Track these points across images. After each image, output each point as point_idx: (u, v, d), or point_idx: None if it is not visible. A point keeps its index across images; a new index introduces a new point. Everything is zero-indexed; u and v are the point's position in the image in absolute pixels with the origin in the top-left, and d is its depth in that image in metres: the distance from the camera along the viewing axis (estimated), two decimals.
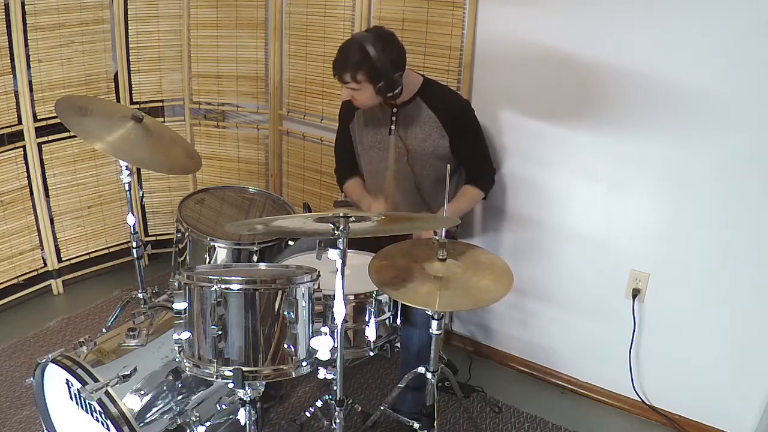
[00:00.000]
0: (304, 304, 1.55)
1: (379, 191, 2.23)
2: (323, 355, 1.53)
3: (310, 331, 1.58)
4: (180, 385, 1.71)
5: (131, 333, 1.74)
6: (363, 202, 2.24)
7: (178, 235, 2.26)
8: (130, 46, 2.84)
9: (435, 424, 1.83)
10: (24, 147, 2.67)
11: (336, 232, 1.46)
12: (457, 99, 2.23)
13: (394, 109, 2.15)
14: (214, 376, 1.50)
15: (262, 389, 1.58)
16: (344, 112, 2.31)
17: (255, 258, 2.16)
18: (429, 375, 1.79)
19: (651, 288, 2.18)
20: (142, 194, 3.06)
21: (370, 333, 1.77)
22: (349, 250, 1.48)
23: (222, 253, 2.17)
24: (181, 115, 3.09)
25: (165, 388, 1.69)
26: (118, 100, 2.88)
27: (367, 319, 1.76)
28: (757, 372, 2.05)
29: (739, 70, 1.85)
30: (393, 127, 2.16)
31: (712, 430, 2.19)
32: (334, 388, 1.63)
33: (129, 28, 2.82)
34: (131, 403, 1.60)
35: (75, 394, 1.67)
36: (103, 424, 1.61)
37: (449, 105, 2.15)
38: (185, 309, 1.52)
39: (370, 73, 1.96)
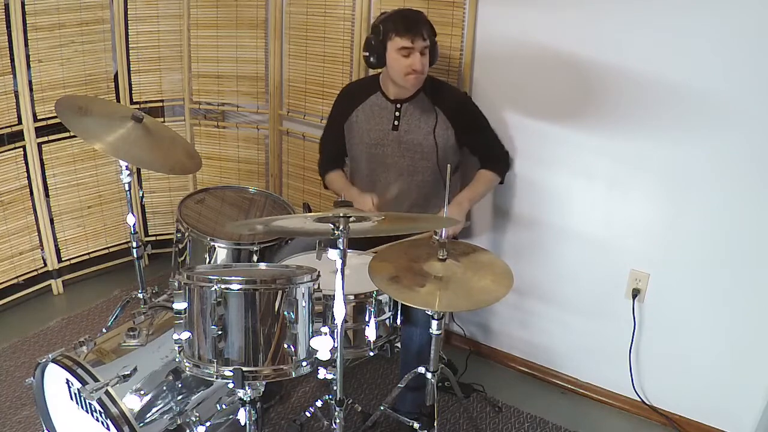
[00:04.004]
0: (304, 304, 1.55)
1: (377, 189, 2.22)
2: (323, 355, 1.53)
3: (310, 331, 1.58)
4: (180, 385, 1.71)
5: (131, 333, 1.74)
6: (347, 193, 2.21)
7: (178, 235, 2.26)
8: (130, 46, 2.84)
9: (435, 424, 1.83)
10: (24, 147, 2.66)
11: (336, 232, 1.46)
12: (458, 91, 2.28)
13: (398, 105, 2.16)
14: (214, 376, 1.50)
15: (262, 389, 1.58)
16: (339, 111, 2.31)
17: (255, 258, 2.16)
18: (429, 375, 1.79)
19: (651, 288, 2.18)
20: (142, 194, 3.06)
21: (370, 333, 1.76)
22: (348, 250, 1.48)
23: (222, 253, 2.17)
24: (181, 115, 3.09)
25: (165, 388, 1.69)
26: (118, 100, 2.88)
27: (367, 319, 1.76)
28: (757, 372, 2.05)
29: (739, 70, 1.85)
30: (396, 122, 2.16)
31: (712, 430, 2.19)
32: (334, 388, 1.63)
33: (129, 28, 2.82)
34: (131, 403, 1.60)
35: (75, 394, 1.67)
36: (103, 424, 1.61)
37: (452, 97, 2.20)
38: (185, 309, 1.52)
39: (432, 31, 2.10)
